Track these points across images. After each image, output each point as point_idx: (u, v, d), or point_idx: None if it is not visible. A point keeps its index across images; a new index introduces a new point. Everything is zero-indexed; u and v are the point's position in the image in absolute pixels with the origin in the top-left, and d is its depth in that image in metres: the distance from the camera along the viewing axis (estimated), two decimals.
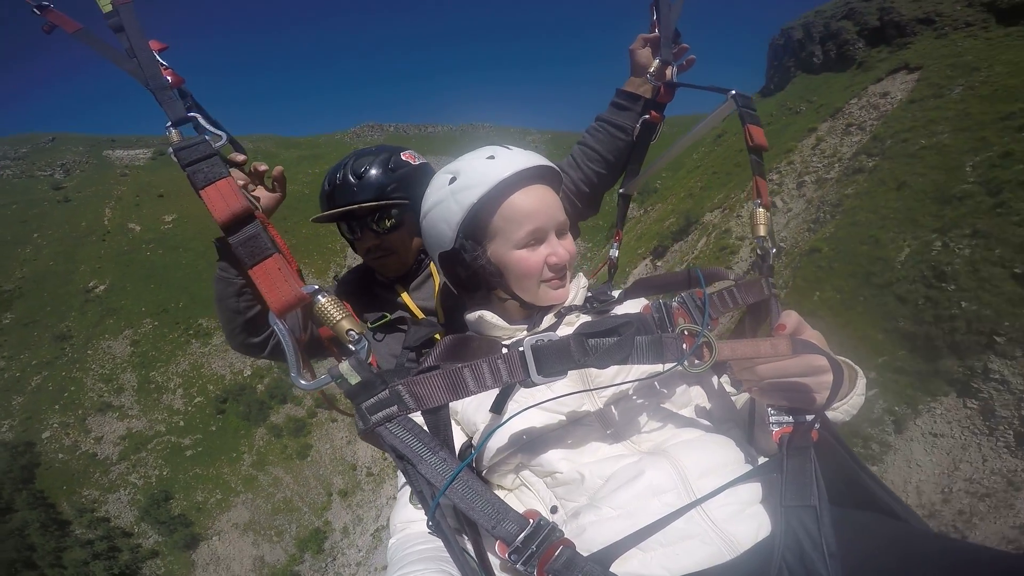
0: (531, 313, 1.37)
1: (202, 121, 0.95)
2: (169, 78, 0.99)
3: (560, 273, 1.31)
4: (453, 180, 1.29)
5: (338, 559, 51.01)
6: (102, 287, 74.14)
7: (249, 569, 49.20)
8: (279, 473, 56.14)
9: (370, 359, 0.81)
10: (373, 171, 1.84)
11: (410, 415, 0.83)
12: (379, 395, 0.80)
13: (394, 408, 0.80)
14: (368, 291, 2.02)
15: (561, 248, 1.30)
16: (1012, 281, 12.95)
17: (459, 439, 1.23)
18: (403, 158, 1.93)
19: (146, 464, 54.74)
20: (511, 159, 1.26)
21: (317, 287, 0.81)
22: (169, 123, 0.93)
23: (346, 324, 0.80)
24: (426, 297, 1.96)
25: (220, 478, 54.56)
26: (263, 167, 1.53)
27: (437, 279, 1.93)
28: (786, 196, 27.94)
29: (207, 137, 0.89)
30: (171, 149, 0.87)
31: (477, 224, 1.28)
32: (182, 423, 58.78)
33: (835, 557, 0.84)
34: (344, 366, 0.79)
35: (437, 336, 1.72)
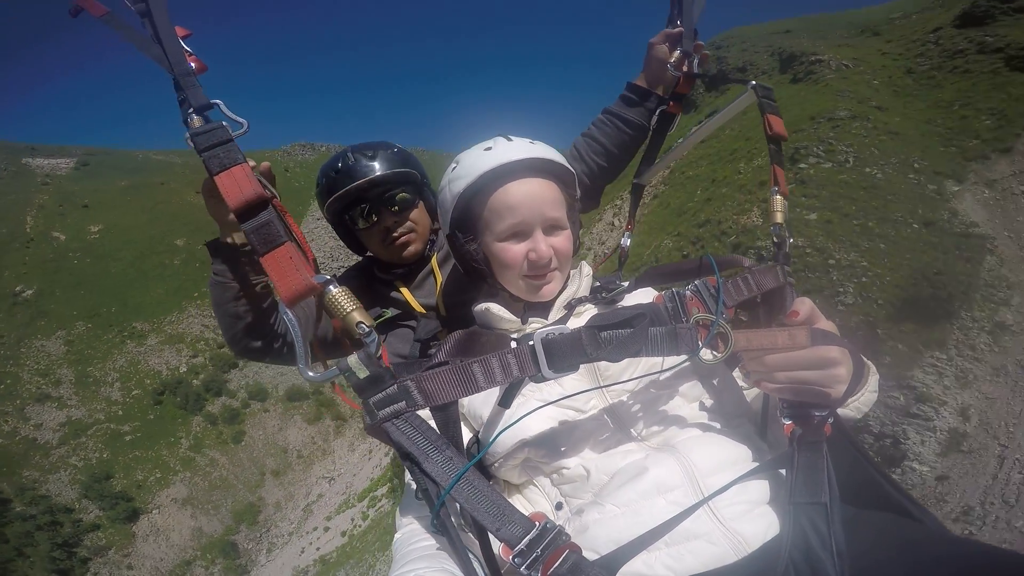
0: (534, 306, 1.34)
1: (224, 108, 0.95)
2: (193, 64, 0.99)
3: (539, 271, 1.26)
4: (454, 168, 1.30)
5: (271, 530, 57.12)
6: (29, 292, 75.59)
7: (188, 538, 54.11)
8: (215, 455, 61.22)
9: (380, 353, 0.79)
10: (380, 152, 1.84)
11: (418, 412, 0.81)
12: (387, 390, 0.78)
13: (402, 404, 0.78)
14: (368, 289, 1.99)
15: (543, 245, 1.24)
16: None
17: (465, 435, 1.21)
18: (398, 145, 1.94)
19: (86, 448, 58.21)
20: (503, 151, 1.23)
21: (329, 277, 0.79)
22: (191, 109, 0.92)
23: (356, 316, 0.77)
24: (427, 294, 1.93)
25: (159, 459, 58.90)
26: (251, 163, 1.40)
27: (439, 276, 1.92)
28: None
29: (224, 123, 0.88)
30: (188, 134, 0.87)
31: (469, 214, 1.28)
32: (120, 412, 62.50)
33: (844, 556, 0.81)
34: (353, 359, 0.76)
35: (442, 332, 1.81)
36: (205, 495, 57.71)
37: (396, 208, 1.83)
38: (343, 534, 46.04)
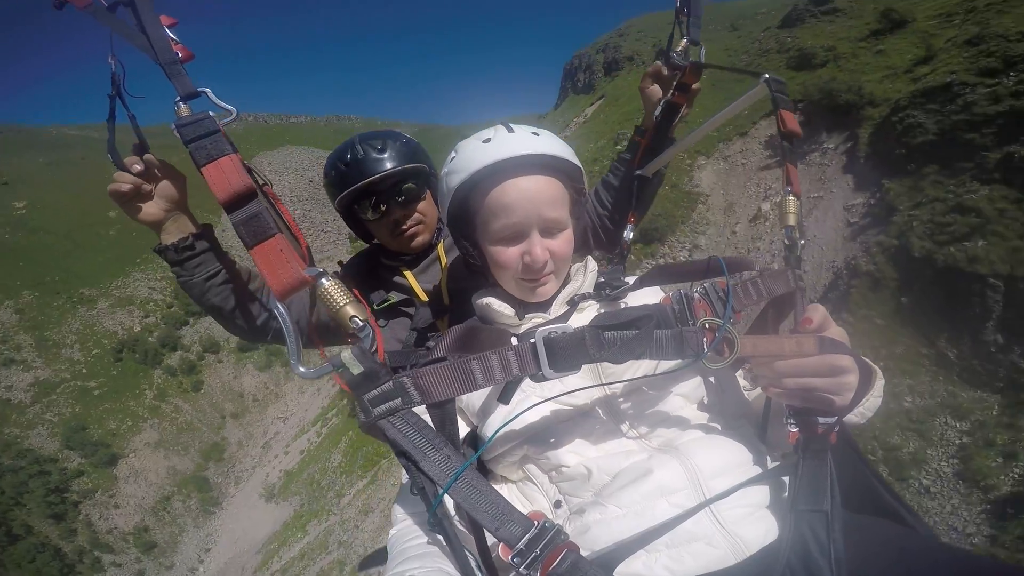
0: (534, 303, 1.30)
1: (212, 96, 0.93)
2: (179, 53, 0.97)
3: (533, 275, 1.22)
4: (452, 159, 1.24)
5: (236, 465, 65.58)
6: None
7: (164, 477, 61.55)
8: (178, 403, 68.09)
9: (375, 347, 0.77)
10: (390, 144, 1.83)
11: (414, 408, 0.79)
12: (383, 387, 0.76)
13: (398, 401, 0.76)
14: (373, 275, 2.00)
15: (538, 248, 1.18)
16: None
17: (462, 429, 1.20)
18: (405, 135, 1.95)
19: (58, 404, 63.38)
20: (502, 145, 1.16)
21: (321, 270, 0.77)
22: (178, 98, 0.90)
23: (350, 310, 0.76)
24: (431, 279, 1.93)
25: (128, 409, 65.11)
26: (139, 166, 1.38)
27: (444, 263, 1.92)
28: None
29: (212, 113, 0.85)
30: (173, 125, 0.83)
31: (464, 210, 1.23)
32: (85, 370, 67.48)
33: (842, 563, 0.82)
34: (346, 355, 0.74)
35: (443, 320, 1.81)
36: (174, 438, 64.80)
37: (403, 199, 1.83)
38: (301, 452, 55.02)
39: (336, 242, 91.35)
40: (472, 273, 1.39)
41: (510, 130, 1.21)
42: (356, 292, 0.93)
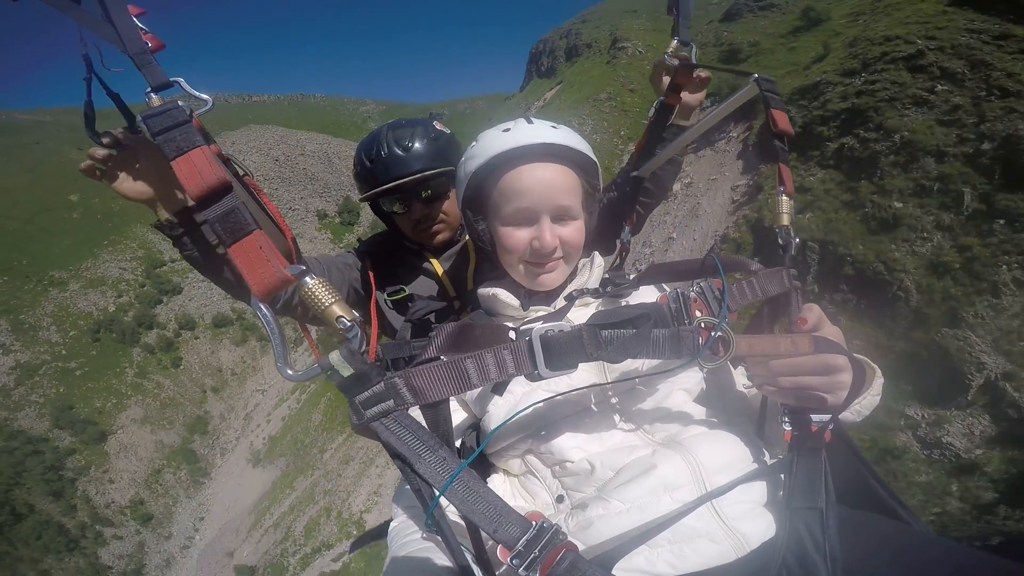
0: (538, 293, 1.33)
1: (186, 85, 0.89)
2: (149, 42, 0.92)
3: (541, 259, 1.25)
4: (472, 146, 1.29)
5: (221, 437, 69.06)
6: None
7: (152, 451, 64.62)
8: (159, 379, 70.94)
9: (362, 348, 0.73)
10: (417, 142, 1.83)
11: (408, 409, 0.76)
12: (374, 388, 0.73)
13: (390, 403, 0.74)
14: (396, 258, 1.99)
15: (548, 233, 1.22)
16: None
17: (466, 420, 1.26)
18: (438, 127, 1.94)
19: (42, 386, 65.36)
20: (521, 133, 1.22)
21: (304, 268, 0.73)
22: (149, 89, 0.86)
23: (336, 310, 0.72)
24: (456, 266, 1.95)
25: (111, 387, 67.65)
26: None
27: (472, 255, 1.94)
28: None
29: (181, 103, 0.79)
30: (139, 117, 0.79)
31: (480, 193, 1.28)
32: (64, 351, 69.22)
33: (837, 561, 0.83)
34: (335, 357, 0.71)
35: (456, 304, 1.84)
36: (158, 413, 67.76)
37: (427, 195, 1.86)
38: (283, 419, 58.31)
39: (304, 219, 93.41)
40: (480, 260, 1.50)
41: (529, 122, 1.27)
42: (371, 275, 1.20)
